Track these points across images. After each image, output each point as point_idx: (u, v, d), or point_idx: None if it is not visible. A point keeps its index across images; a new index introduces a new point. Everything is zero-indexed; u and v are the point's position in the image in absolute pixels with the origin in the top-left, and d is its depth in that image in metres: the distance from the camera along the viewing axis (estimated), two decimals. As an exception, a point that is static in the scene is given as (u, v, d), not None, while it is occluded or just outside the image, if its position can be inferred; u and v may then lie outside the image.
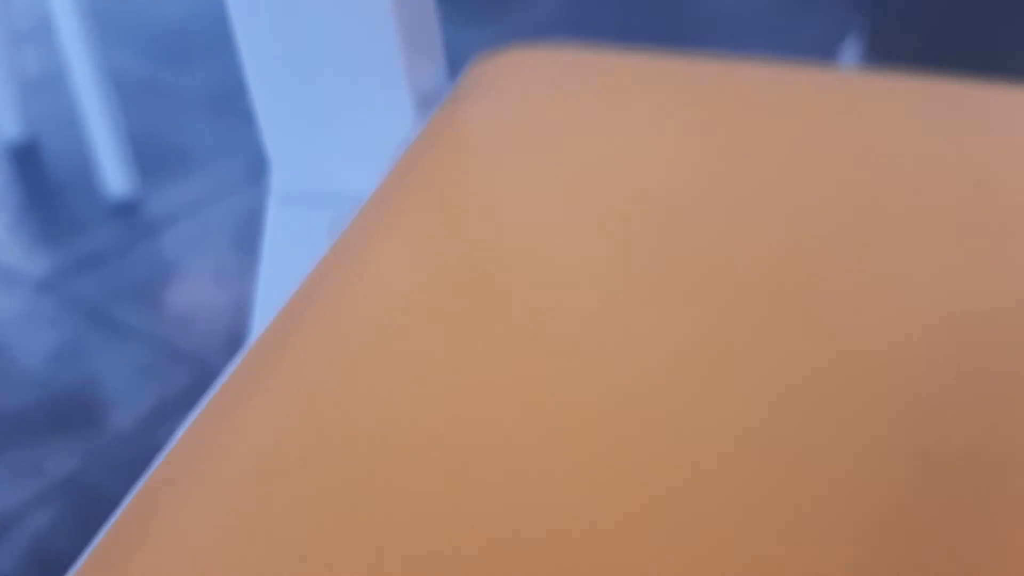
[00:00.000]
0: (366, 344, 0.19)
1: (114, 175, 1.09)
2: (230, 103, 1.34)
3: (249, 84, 0.27)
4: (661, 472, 0.15)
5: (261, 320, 0.31)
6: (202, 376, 0.86)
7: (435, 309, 0.19)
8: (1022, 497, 0.15)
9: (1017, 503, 0.15)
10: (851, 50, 1.45)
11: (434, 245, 0.21)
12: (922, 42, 1.38)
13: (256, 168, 1.18)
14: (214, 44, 1.52)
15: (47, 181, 1.14)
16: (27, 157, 1.18)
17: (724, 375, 0.17)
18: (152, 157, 1.19)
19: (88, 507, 0.73)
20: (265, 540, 0.15)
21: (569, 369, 0.17)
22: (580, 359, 0.18)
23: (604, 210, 0.22)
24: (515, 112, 0.26)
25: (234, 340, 0.90)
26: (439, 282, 0.20)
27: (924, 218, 0.22)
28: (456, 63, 0.28)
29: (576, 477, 0.15)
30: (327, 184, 0.27)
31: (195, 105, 1.34)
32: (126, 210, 1.09)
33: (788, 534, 0.14)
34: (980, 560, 0.14)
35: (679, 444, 0.16)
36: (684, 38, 1.70)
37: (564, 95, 0.27)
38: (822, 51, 1.68)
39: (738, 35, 1.73)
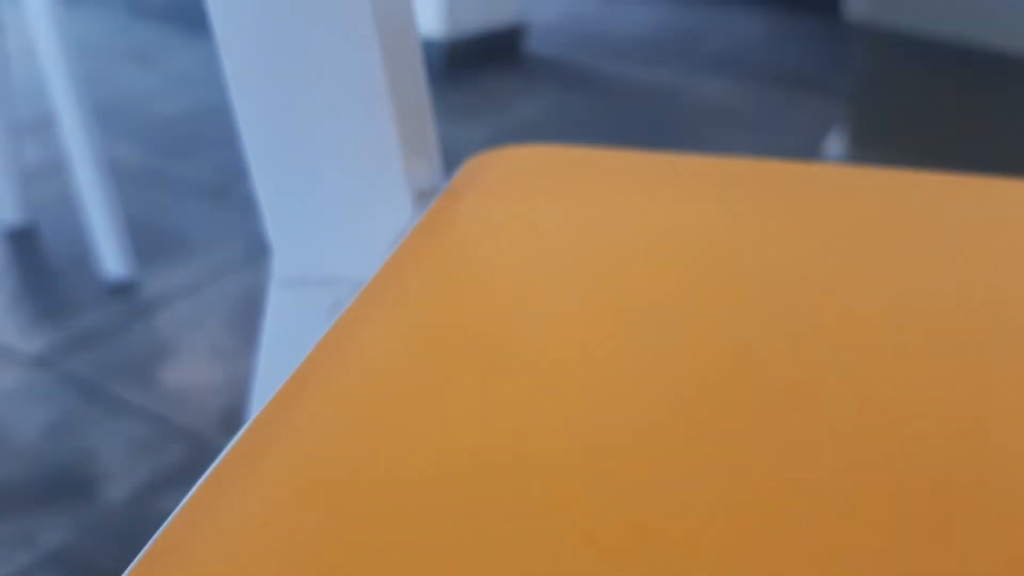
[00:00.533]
0: (363, 424, 0.19)
1: (111, 258, 1.10)
2: (226, 192, 1.36)
3: (252, 174, 0.28)
4: (651, 543, 0.16)
5: (260, 398, 0.32)
6: (196, 452, 0.85)
7: (432, 390, 0.20)
8: None
9: None
10: (835, 142, 1.49)
11: (431, 329, 0.22)
12: (905, 133, 1.42)
13: (252, 252, 1.18)
14: (211, 137, 1.54)
15: (44, 263, 1.14)
16: (25, 241, 1.19)
17: (708, 451, 0.18)
18: (149, 242, 1.20)
19: (78, 581, 0.72)
20: None
21: (564, 451, 0.18)
22: (574, 441, 0.18)
23: (594, 296, 0.23)
24: (508, 205, 0.27)
25: (228, 417, 0.90)
26: (435, 364, 0.21)
27: (911, 310, 0.23)
28: (451, 156, 0.29)
29: (571, 558, 0.16)
30: (327, 270, 0.28)
31: (192, 193, 1.35)
32: (122, 291, 1.09)
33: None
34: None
35: (669, 520, 0.16)
36: (670, 135, 1.74)
37: (555, 190, 0.29)
38: (807, 143, 1.72)
39: (724, 130, 1.77)
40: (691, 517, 0.16)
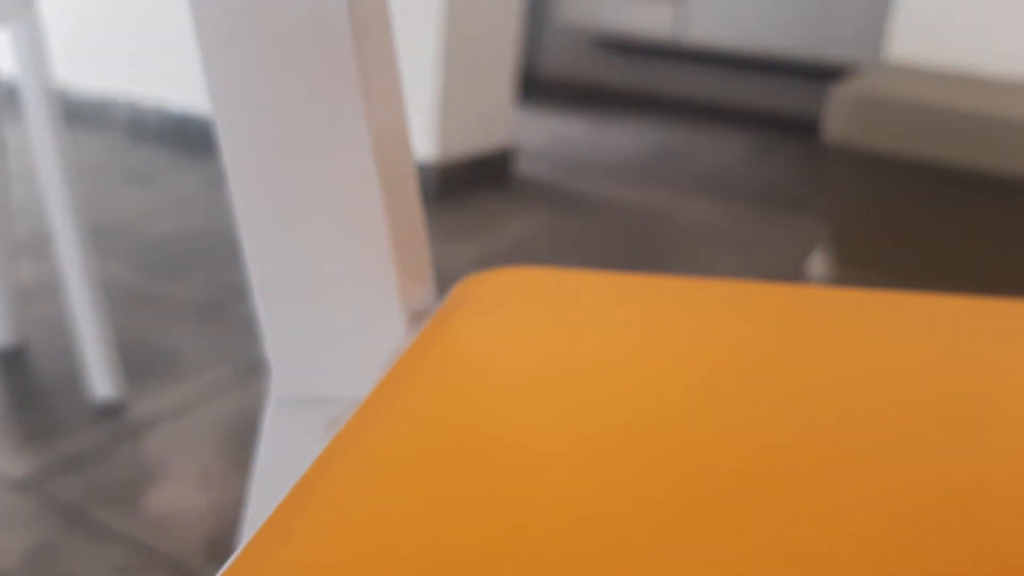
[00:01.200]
0: (359, 544, 0.19)
1: (100, 379, 1.10)
2: (217, 312, 1.37)
3: (254, 295, 0.29)
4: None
5: (254, 515, 0.32)
6: (180, 577, 0.83)
7: (427, 506, 0.20)
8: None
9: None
10: (818, 261, 1.52)
11: (425, 447, 0.22)
12: (886, 252, 1.45)
13: (241, 373, 1.19)
14: (202, 258, 1.57)
15: (32, 385, 1.14)
16: (14, 362, 1.19)
17: (703, 557, 0.18)
18: (139, 362, 1.20)
19: None
20: None
21: (559, 569, 0.18)
22: (567, 561, 0.19)
23: (584, 415, 0.23)
24: (499, 327, 0.28)
25: (213, 544, 0.88)
26: (430, 481, 0.21)
27: (895, 429, 0.23)
28: (444, 275, 0.30)
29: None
30: (324, 389, 0.29)
31: (184, 314, 1.36)
32: (110, 413, 1.09)
33: None
34: None
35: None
36: (658, 255, 1.77)
37: (544, 312, 0.30)
38: (792, 261, 1.75)
39: (711, 249, 1.81)
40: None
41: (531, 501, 0.20)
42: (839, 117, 1.40)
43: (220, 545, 0.88)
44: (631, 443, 0.22)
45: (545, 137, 2.67)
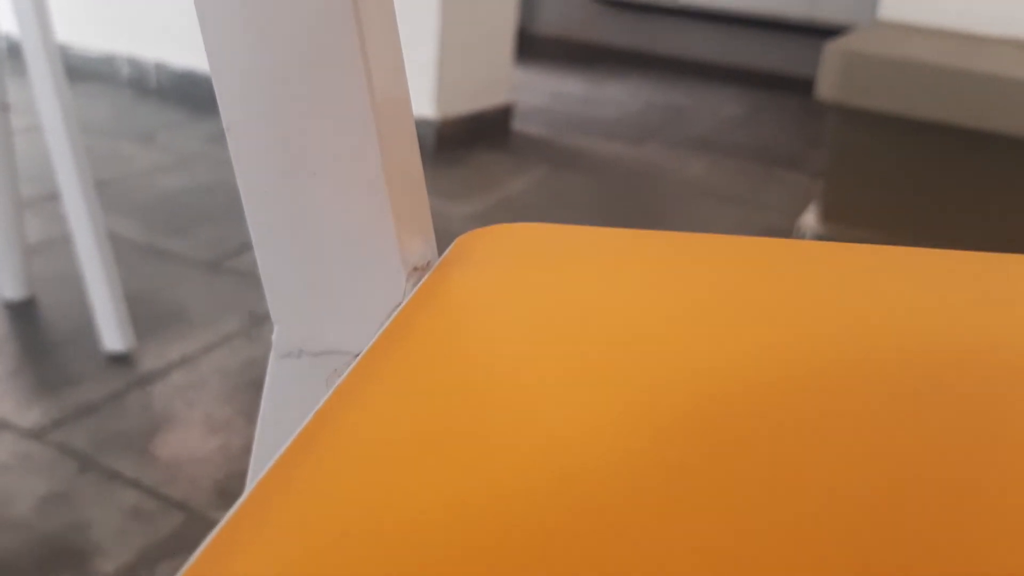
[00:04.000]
0: (359, 493, 0.19)
1: (110, 331, 1.10)
2: (222, 266, 1.37)
3: (256, 251, 0.29)
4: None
5: (258, 466, 0.32)
6: (190, 524, 0.84)
7: (426, 457, 0.20)
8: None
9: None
10: (812, 217, 1.52)
11: (424, 398, 0.22)
12: (878, 208, 1.45)
13: (247, 326, 1.19)
14: (208, 213, 1.56)
15: (43, 337, 1.14)
16: (24, 314, 1.19)
17: (701, 516, 0.18)
18: (148, 315, 1.20)
19: (68, 655, 0.70)
20: None
21: (556, 519, 0.18)
22: (566, 509, 0.19)
23: (582, 367, 0.23)
24: (498, 281, 0.28)
25: (222, 489, 0.89)
26: (429, 432, 0.21)
27: (889, 380, 0.23)
28: (443, 232, 0.30)
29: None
30: (325, 343, 0.29)
31: (190, 267, 1.36)
32: (120, 364, 1.09)
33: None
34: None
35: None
36: (654, 211, 1.77)
37: (543, 266, 0.29)
38: (785, 217, 1.75)
39: (707, 205, 1.80)
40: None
41: (531, 452, 0.20)
42: (832, 74, 1.39)
43: (230, 490, 0.89)
44: (630, 396, 0.22)
45: (544, 95, 2.65)
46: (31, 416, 0.98)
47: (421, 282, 0.29)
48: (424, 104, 2.00)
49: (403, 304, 0.27)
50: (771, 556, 0.17)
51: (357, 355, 0.24)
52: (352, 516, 0.18)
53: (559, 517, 0.18)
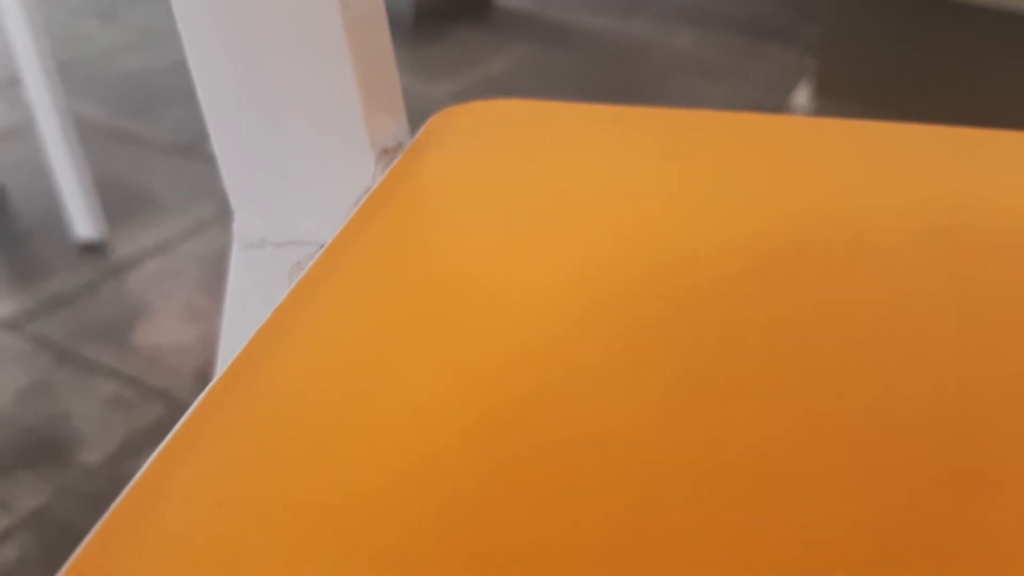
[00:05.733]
0: (326, 382, 0.19)
1: (81, 219, 1.08)
2: (194, 149, 1.33)
3: (211, 136, 0.27)
4: (628, 504, 0.16)
5: (225, 359, 0.31)
6: (171, 412, 0.84)
7: (394, 350, 0.19)
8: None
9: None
10: (803, 93, 1.48)
11: (393, 289, 0.21)
12: (872, 84, 1.42)
13: (222, 211, 1.17)
14: (175, 94, 1.51)
15: (13, 226, 1.12)
16: (-6, 202, 1.16)
17: (685, 405, 0.17)
18: (119, 202, 1.18)
19: (56, 541, 0.71)
20: (226, 572, 0.15)
21: (530, 404, 0.18)
22: (541, 395, 0.18)
23: (559, 250, 0.22)
24: (473, 161, 0.27)
25: (202, 376, 0.89)
26: (397, 324, 0.20)
27: (877, 252, 0.22)
28: (420, 113, 0.28)
29: (542, 520, 0.15)
30: (290, 231, 0.27)
31: (160, 152, 1.32)
32: (93, 252, 1.07)
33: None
34: None
35: (647, 473, 0.16)
36: (641, 87, 1.73)
37: (521, 145, 0.28)
38: (776, 94, 1.71)
39: (695, 81, 1.76)
40: (655, 470, 0.16)
41: (505, 343, 0.19)
42: (829, -59, 1.33)
43: (210, 377, 0.89)
44: (610, 280, 0.21)
45: (526, -35, 2.55)
46: (5, 307, 0.97)
47: (392, 165, 0.27)
48: (400, -24, 1.92)
49: (372, 189, 0.26)
50: (758, 458, 0.16)
51: (322, 246, 0.23)
52: (314, 420, 0.17)
53: (532, 414, 0.17)
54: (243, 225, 0.28)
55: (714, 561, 0.14)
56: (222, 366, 0.28)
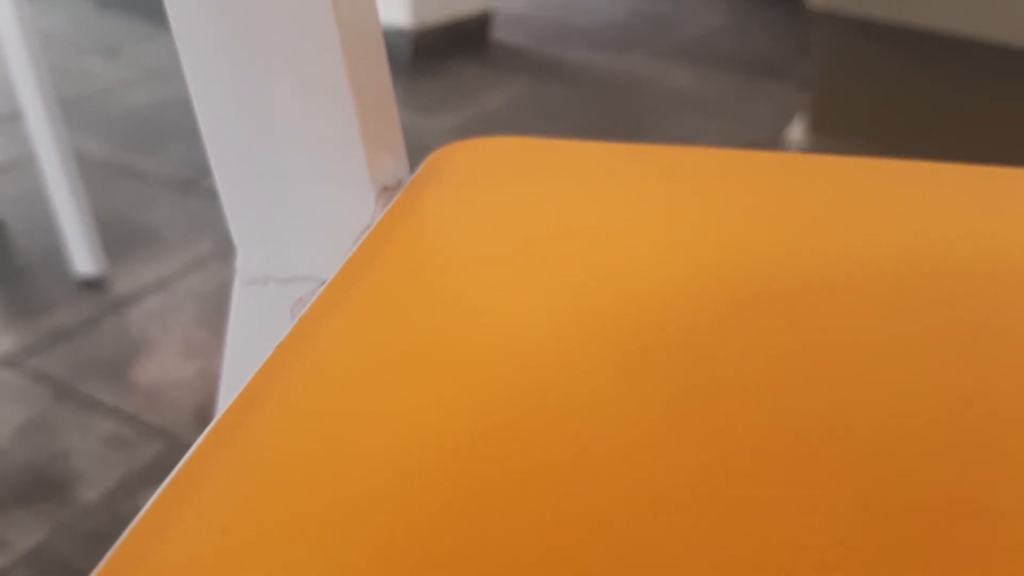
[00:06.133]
0: (326, 424, 0.19)
1: (80, 254, 1.08)
2: (194, 185, 1.34)
3: (214, 172, 0.28)
4: (630, 539, 0.16)
5: (227, 395, 0.31)
6: (170, 449, 0.84)
7: (395, 386, 0.19)
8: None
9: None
10: (798, 129, 1.49)
11: (393, 325, 0.21)
12: (867, 120, 1.43)
13: (222, 246, 1.17)
14: (176, 130, 1.52)
15: (12, 261, 1.12)
16: (-6, 238, 1.16)
17: (681, 437, 0.18)
18: (119, 237, 1.18)
19: (53, 580, 0.71)
20: None
21: (532, 438, 0.18)
22: (542, 429, 0.18)
23: (559, 287, 0.22)
24: (472, 198, 0.27)
25: (201, 413, 0.89)
26: (399, 361, 0.20)
27: (873, 290, 0.23)
28: (419, 148, 0.29)
29: (533, 545, 0.15)
30: (292, 267, 0.28)
31: (161, 187, 1.33)
32: (93, 288, 1.07)
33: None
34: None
35: (645, 509, 0.16)
36: (638, 123, 1.74)
37: (520, 182, 0.28)
38: (771, 130, 1.73)
39: (691, 117, 1.77)
40: (662, 503, 0.16)
41: (504, 377, 0.19)
42: (822, -22, 1.35)
43: (210, 415, 0.89)
44: (608, 315, 0.21)
45: (522, 1, 2.58)
46: (4, 343, 0.97)
47: (392, 202, 0.27)
48: (397, 12, 1.95)
49: (372, 226, 0.26)
50: (761, 478, 0.16)
51: (324, 282, 0.23)
52: (315, 456, 0.18)
53: (535, 443, 0.17)
54: (245, 261, 0.28)
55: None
56: (224, 402, 0.28)
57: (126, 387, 0.92)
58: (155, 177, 1.36)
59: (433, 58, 2.00)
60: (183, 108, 1.61)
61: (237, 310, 0.28)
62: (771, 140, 1.70)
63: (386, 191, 0.27)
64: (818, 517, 0.16)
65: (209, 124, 0.27)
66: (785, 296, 0.22)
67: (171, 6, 0.26)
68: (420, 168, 0.29)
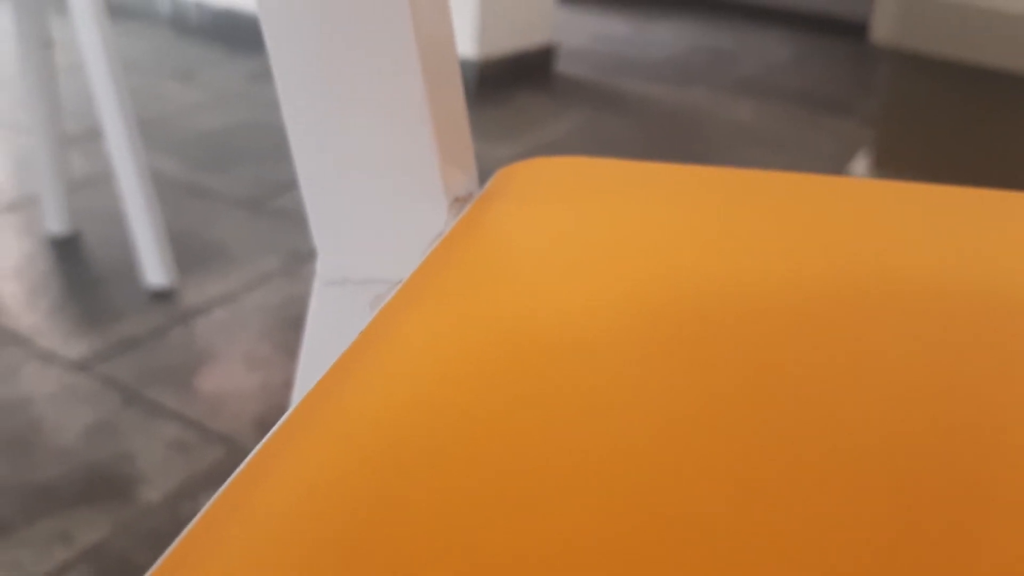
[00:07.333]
0: (400, 413, 0.20)
1: (152, 267, 1.12)
2: (263, 205, 1.38)
3: (300, 182, 0.30)
4: (664, 538, 0.17)
5: (301, 392, 0.33)
6: (231, 455, 0.87)
7: (467, 379, 0.21)
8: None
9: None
10: (861, 164, 1.49)
11: (464, 324, 0.23)
12: (931, 156, 1.42)
13: (287, 264, 1.20)
14: (248, 152, 1.57)
15: (87, 272, 1.17)
16: (69, 249, 1.21)
17: (730, 448, 0.19)
18: (189, 253, 1.22)
19: (115, 575, 0.73)
20: None
21: (593, 440, 0.19)
22: (603, 432, 0.19)
23: (622, 300, 0.24)
24: (539, 211, 0.29)
25: (262, 422, 0.92)
26: (467, 359, 0.21)
27: (930, 316, 0.23)
28: (483, 174, 0.31)
29: (596, 550, 0.16)
30: (367, 271, 0.30)
31: (230, 206, 1.38)
32: (163, 299, 1.11)
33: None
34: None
35: (682, 515, 0.17)
36: (698, 156, 1.75)
37: (585, 198, 0.29)
38: (834, 165, 1.72)
39: (753, 151, 1.77)
40: (704, 509, 0.17)
41: (566, 383, 0.21)
42: (889, 17, 1.35)
43: (271, 424, 0.91)
44: (670, 332, 0.22)
45: (587, 36, 2.61)
46: (77, 349, 1.01)
47: (463, 212, 0.29)
48: (464, 43, 1.98)
49: (444, 233, 0.28)
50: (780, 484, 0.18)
51: (398, 283, 0.25)
52: (385, 452, 0.19)
53: (596, 444, 0.19)
54: (325, 264, 0.30)
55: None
56: (298, 398, 0.30)
57: (191, 395, 0.95)
58: (225, 196, 1.40)
59: (498, 88, 2.04)
60: (253, 131, 1.66)
61: (315, 310, 0.30)
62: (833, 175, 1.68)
63: (457, 202, 0.29)
64: (837, 518, 0.17)
65: (297, 137, 0.29)
66: (831, 315, 0.23)
67: (267, 30, 0.28)
68: (489, 182, 0.31)
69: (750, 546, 0.16)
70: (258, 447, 0.20)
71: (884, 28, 1.37)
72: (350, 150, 0.29)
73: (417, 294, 0.24)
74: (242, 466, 0.19)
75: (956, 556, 0.16)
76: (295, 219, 1.31)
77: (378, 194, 0.29)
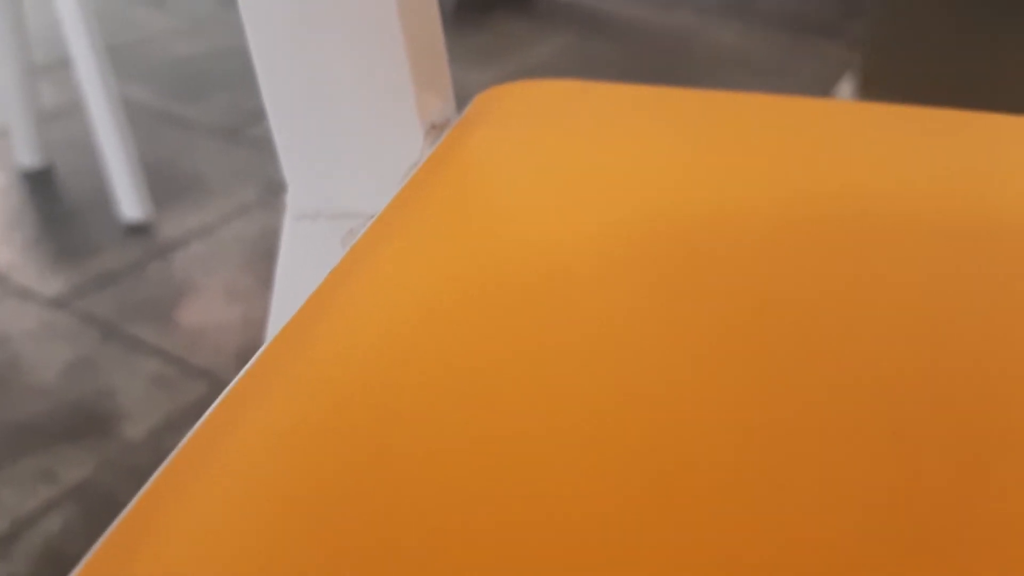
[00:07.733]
0: (375, 348, 0.19)
1: (128, 200, 1.10)
2: (239, 133, 1.35)
3: (268, 111, 0.28)
4: (659, 471, 0.16)
5: (274, 328, 0.32)
6: (213, 389, 0.86)
7: (443, 313, 0.20)
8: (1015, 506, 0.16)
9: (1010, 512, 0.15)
10: (847, 87, 1.47)
11: (443, 253, 0.22)
12: (918, 79, 1.40)
13: (266, 194, 1.18)
14: (223, 79, 1.53)
15: (62, 205, 1.14)
16: (42, 183, 1.19)
17: (720, 377, 0.18)
18: (165, 184, 1.20)
19: (99, 512, 0.73)
20: (265, 542, 0.15)
21: (574, 370, 0.18)
22: (584, 360, 0.18)
23: (603, 226, 0.23)
24: (518, 137, 0.27)
25: (244, 355, 0.91)
26: (445, 292, 0.21)
27: (916, 236, 0.23)
28: (461, 100, 0.29)
29: (578, 477, 0.16)
30: (340, 203, 0.28)
31: (206, 135, 1.35)
32: (139, 233, 1.10)
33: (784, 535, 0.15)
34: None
35: (676, 444, 0.17)
36: (683, 79, 1.72)
37: (565, 123, 0.28)
38: (819, 88, 1.70)
39: (737, 74, 1.75)
40: (700, 443, 0.16)
41: (550, 316, 0.20)
42: (878, -67, 1.32)
43: (251, 356, 0.91)
44: (657, 260, 0.22)
45: (569, -44, 2.54)
46: (54, 285, 0.99)
47: (439, 140, 0.28)
48: (444, -35, 1.93)
49: (420, 163, 0.27)
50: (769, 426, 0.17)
51: (372, 216, 0.24)
52: (361, 385, 0.18)
53: (584, 379, 0.18)
54: (297, 197, 0.29)
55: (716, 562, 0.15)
56: (272, 333, 0.29)
57: (171, 329, 0.94)
58: (200, 125, 1.37)
59: (476, 10, 1.99)
60: (227, 58, 1.62)
61: (287, 245, 0.29)
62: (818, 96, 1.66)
63: (434, 129, 0.28)
64: (828, 489, 0.16)
65: (264, 64, 0.28)
66: (811, 238, 0.23)
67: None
68: (467, 108, 0.30)
69: (753, 486, 0.15)
70: (229, 387, 0.19)
71: (873, -55, 1.33)
72: (319, 75, 0.27)
73: (392, 227, 0.23)
74: (212, 407, 0.19)
75: (960, 494, 0.15)
76: (273, 148, 1.28)
77: (350, 122, 0.27)
